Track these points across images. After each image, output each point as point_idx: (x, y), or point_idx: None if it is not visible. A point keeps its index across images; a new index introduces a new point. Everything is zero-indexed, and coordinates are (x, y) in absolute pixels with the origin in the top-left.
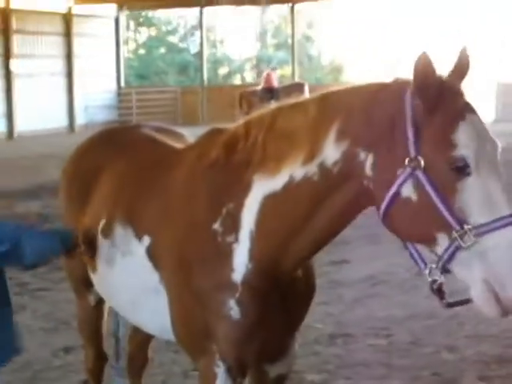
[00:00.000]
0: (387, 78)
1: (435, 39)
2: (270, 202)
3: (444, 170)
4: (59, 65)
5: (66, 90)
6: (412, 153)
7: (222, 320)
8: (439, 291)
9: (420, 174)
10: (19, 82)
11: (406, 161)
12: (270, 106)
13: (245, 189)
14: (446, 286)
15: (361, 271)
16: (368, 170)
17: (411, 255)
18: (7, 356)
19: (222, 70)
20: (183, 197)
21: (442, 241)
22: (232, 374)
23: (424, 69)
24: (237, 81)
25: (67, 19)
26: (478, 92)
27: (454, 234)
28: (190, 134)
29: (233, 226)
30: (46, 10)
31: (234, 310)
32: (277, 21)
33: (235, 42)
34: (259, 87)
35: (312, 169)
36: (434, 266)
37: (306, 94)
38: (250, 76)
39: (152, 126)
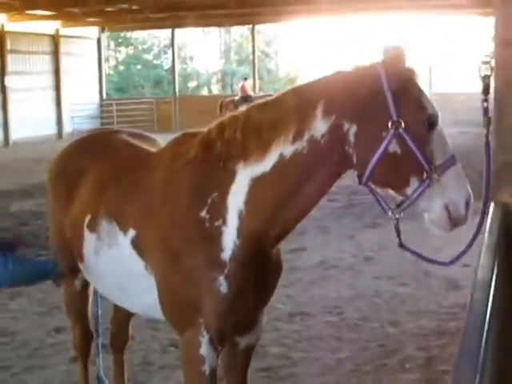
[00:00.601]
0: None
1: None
2: (259, 183)
3: (420, 127)
4: (49, 80)
5: (54, 102)
6: (394, 117)
7: (211, 295)
8: (398, 229)
9: (402, 132)
10: (14, 95)
11: (389, 124)
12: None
13: (228, 178)
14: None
15: (315, 257)
16: (351, 138)
17: (378, 201)
18: None
19: (192, 83)
20: (166, 192)
21: (413, 183)
22: (213, 343)
23: (401, 58)
24: (204, 92)
25: (55, 40)
26: None
27: (426, 175)
28: (165, 139)
29: (219, 211)
30: (36, 31)
31: (222, 285)
32: (239, 40)
33: (203, 59)
34: (237, 97)
35: (302, 144)
36: (393, 207)
37: None
38: (215, 88)
39: (127, 131)
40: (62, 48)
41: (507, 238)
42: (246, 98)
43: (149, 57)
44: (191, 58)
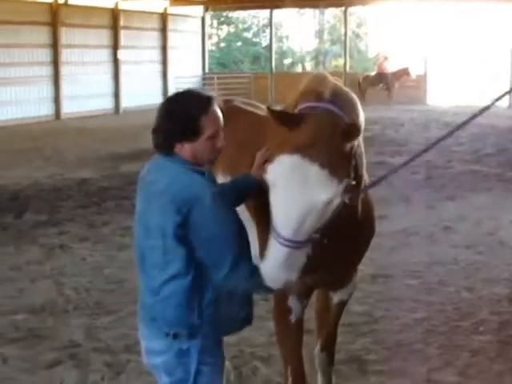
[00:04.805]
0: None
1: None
2: None
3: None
4: (156, 54)
5: (161, 74)
6: None
7: None
8: None
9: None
10: (124, 67)
11: None
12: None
13: None
14: None
15: (396, 225)
16: None
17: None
18: (236, 328)
19: (287, 61)
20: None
21: None
22: (299, 297)
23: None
24: (298, 69)
25: (163, 18)
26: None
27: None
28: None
29: None
30: (146, 10)
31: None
32: (332, 21)
33: (298, 38)
34: (373, 73)
35: None
36: None
37: (413, 76)
38: (309, 66)
39: (240, 100)
40: (170, 25)
41: None
42: (380, 75)
43: (248, 35)
44: (287, 37)
